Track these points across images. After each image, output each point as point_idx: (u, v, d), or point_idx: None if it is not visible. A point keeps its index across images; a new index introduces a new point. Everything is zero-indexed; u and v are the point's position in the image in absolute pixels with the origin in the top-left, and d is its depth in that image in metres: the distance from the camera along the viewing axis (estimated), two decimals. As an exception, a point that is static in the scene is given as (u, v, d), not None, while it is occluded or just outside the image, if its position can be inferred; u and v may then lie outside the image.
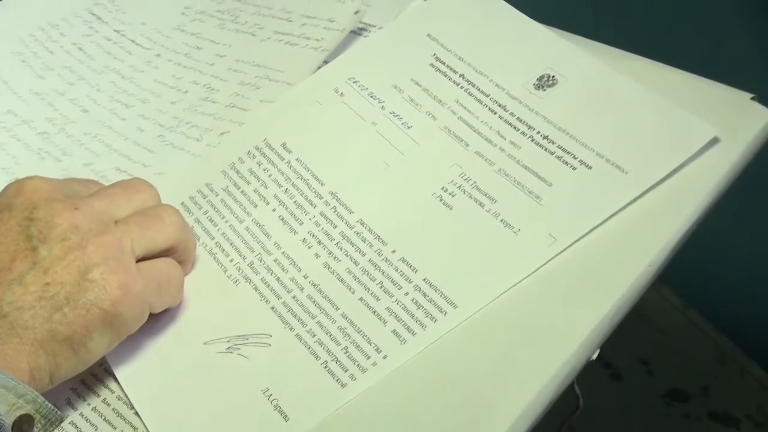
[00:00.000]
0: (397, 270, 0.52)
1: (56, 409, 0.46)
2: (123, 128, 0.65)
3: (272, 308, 0.53)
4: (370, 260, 0.53)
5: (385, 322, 0.50)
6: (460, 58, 0.61)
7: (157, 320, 0.53)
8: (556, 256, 0.50)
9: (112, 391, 0.51)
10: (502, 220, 0.53)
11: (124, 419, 0.50)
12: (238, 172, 0.60)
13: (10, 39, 0.73)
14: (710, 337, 1.49)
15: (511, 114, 0.57)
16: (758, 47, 1.37)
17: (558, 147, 0.55)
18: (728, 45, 1.44)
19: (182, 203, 0.59)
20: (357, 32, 0.66)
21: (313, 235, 0.55)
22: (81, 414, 0.51)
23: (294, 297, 0.53)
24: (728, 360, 1.44)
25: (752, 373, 1.42)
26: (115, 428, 0.50)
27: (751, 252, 1.38)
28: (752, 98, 0.54)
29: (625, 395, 1.36)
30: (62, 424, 0.47)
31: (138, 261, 0.51)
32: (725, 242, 1.34)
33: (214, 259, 0.56)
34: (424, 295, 0.51)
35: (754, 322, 1.42)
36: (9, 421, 0.43)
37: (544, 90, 0.58)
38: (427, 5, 0.65)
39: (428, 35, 0.63)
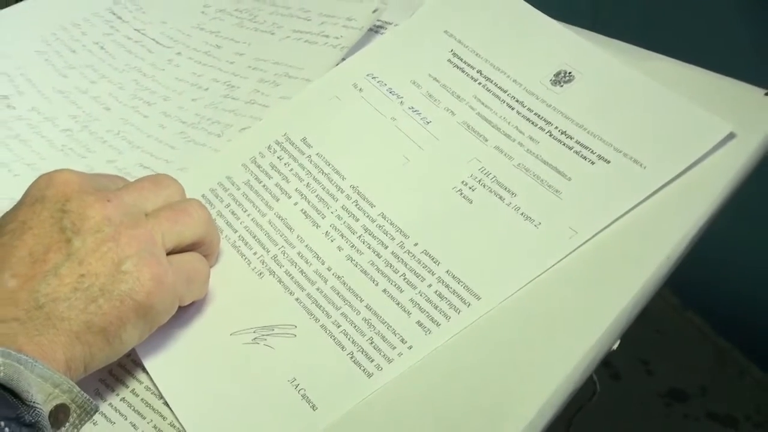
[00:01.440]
0: (419, 262, 0.52)
1: (91, 400, 0.45)
2: (145, 125, 0.65)
3: (297, 300, 0.52)
4: (392, 253, 0.53)
5: (409, 314, 0.50)
6: (477, 54, 0.61)
7: (184, 312, 0.53)
8: (577, 248, 0.50)
9: (141, 382, 0.51)
10: (522, 214, 0.53)
11: (153, 409, 0.50)
12: (259, 166, 0.60)
13: (33, 38, 0.72)
14: (709, 338, 1.50)
15: (529, 109, 0.57)
16: (765, 43, 1.38)
17: (576, 142, 0.55)
18: (737, 42, 1.45)
19: (203, 195, 0.59)
20: (375, 30, 0.66)
21: (336, 229, 0.55)
22: (110, 404, 0.51)
23: (318, 289, 0.53)
24: (727, 361, 1.45)
25: (751, 374, 1.42)
26: (144, 418, 0.50)
27: (750, 253, 1.40)
28: (766, 94, 0.55)
29: (624, 395, 1.37)
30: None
31: (169, 254, 0.51)
32: (724, 243, 1.33)
33: (238, 252, 0.56)
34: (447, 286, 0.50)
35: (753, 324, 1.44)
36: (46, 410, 0.43)
37: (561, 86, 0.58)
38: (443, 2, 0.65)
39: (445, 31, 0.63)
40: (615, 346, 0.48)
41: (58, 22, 0.73)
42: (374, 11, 0.65)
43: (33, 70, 0.71)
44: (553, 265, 0.50)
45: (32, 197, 0.51)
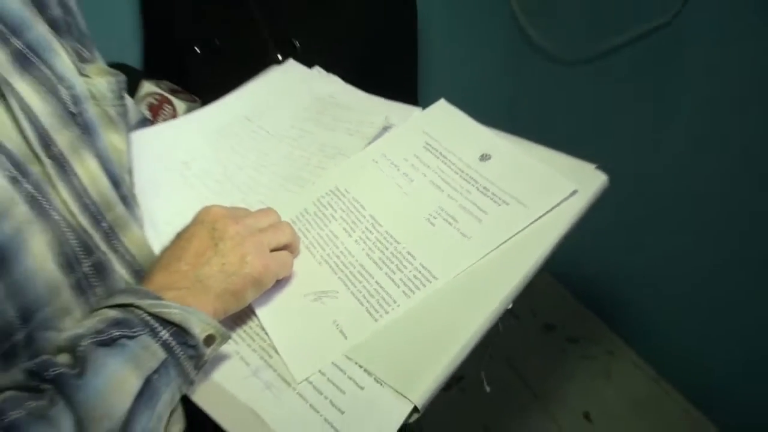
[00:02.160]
0: (404, 258, 0.52)
1: (227, 330, 0.46)
2: (261, 180, 0.65)
3: (339, 278, 0.53)
4: (391, 252, 0.53)
5: (398, 286, 0.50)
6: (439, 144, 0.61)
7: (279, 283, 0.53)
8: (490, 252, 0.51)
9: (253, 321, 0.52)
10: (461, 232, 0.53)
11: (260, 336, 0.51)
12: (321, 203, 0.60)
13: (200, 132, 0.71)
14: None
15: (467, 175, 0.57)
16: (599, 136, 1.36)
17: (491, 193, 0.55)
18: (584, 134, 1.43)
19: (291, 219, 0.59)
20: (386, 129, 0.65)
21: (360, 238, 0.55)
22: (236, 333, 0.51)
23: (350, 271, 0.53)
24: None
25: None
26: (254, 341, 0.50)
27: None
28: (596, 167, 0.54)
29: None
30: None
31: (271, 251, 0.51)
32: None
33: (308, 250, 0.56)
34: (419, 272, 0.51)
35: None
36: (201, 337, 0.44)
37: (484, 162, 0.58)
38: (422, 115, 0.65)
39: (423, 131, 0.62)
40: (509, 306, 0.48)
41: (216, 125, 0.71)
42: (386, 123, 0.65)
43: (199, 150, 0.69)
44: (478, 261, 0.50)
45: (197, 220, 0.52)
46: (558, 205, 0.52)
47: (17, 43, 0.46)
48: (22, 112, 0.43)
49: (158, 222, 0.59)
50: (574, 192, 0.52)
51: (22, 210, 0.41)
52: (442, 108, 0.64)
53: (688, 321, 1.33)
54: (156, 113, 0.79)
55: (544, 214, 0.51)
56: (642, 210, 1.37)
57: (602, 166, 0.54)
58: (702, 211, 1.24)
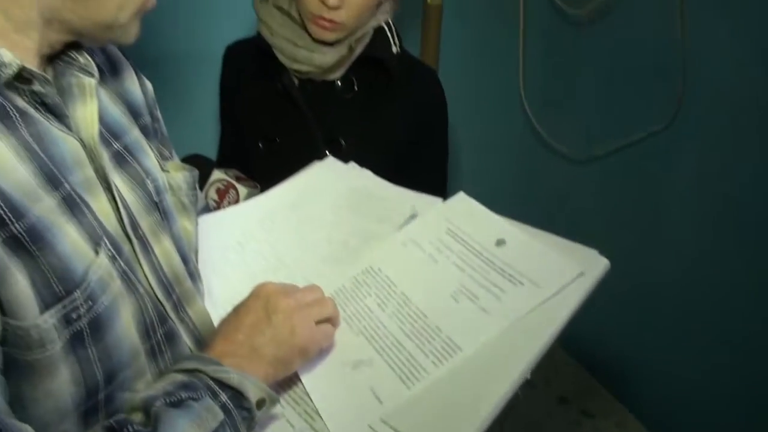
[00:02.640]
0: (432, 331, 0.56)
1: (276, 395, 0.49)
2: (305, 259, 0.68)
3: (374, 348, 0.57)
4: (420, 325, 0.57)
5: (427, 356, 0.54)
6: (460, 230, 0.65)
7: (321, 352, 0.56)
8: (509, 326, 0.54)
9: (297, 386, 0.55)
10: (482, 308, 0.57)
11: (305, 402, 0.54)
12: (357, 281, 0.64)
13: (255, 218, 0.75)
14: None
15: (486, 258, 0.61)
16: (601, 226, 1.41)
17: (508, 274, 0.59)
18: (593, 223, 1.49)
19: (331, 294, 0.62)
20: (413, 216, 0.70)
21: (393, 312, 0.59)
22: (283, 398, 0.54)
23: (384, 342, 0.57)
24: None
25: None
26: (298, 405, 0.53)
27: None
28: (599, 253, 0.58)
29: None
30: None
31: (316, 324, 0.55)
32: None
33: (347, 323, 0.60)
34: (446, 344, 0.54)
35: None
36: (254, 400, 0.47)
37: (500, 246, 0.62)
38: (444, 205, 0.69)
39: (445, 219, 0.67)
40: (528, 377, 0.50)
41: (268, 211, 0.75)
42: (412, 213, 0.70)
43: (252, 233, 0.73)
44: (495, 336, 0.54)
45: (253, 294, 0.56)
46: (567, 285, 0.56)
47: (117, 145, 0.54)
48: (119, 202, 0.50)
49: (215, 295, 0.64)
50: (581, 274, 0.56)
51: (117, 284, 0.47)
52: (461, 200, 0.70)
53: (696, 397, 1.33)
54: (222, 196, 0.87)
55: (554, 294, 0.56)
56: (648, 292, 1.41)
57: (604, 252, 0.58)
58: (704, 293, 1.28)
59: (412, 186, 0.75)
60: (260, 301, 0.55)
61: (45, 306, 0.41)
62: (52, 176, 0.43)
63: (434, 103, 1.01)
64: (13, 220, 0.39)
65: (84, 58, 0.49)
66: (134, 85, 0.60)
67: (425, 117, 0.99)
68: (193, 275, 0.59)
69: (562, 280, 0.56)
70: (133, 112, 0.58)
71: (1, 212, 0.39)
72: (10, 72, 0.41)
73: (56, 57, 0.49)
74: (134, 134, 0.56)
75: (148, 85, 0.63)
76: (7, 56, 0.41)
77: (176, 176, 0.60)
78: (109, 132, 0.53)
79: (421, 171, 0.98)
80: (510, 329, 0.54)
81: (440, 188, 1.01)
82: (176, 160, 0.65)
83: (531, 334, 0.53)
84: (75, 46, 0.49)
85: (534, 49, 1.53)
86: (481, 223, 0.65)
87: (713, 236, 1.24)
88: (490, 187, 1.56)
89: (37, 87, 0.44)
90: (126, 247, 0.50)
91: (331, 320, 0.58)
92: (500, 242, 0.62)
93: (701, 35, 1.18)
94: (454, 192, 0.71)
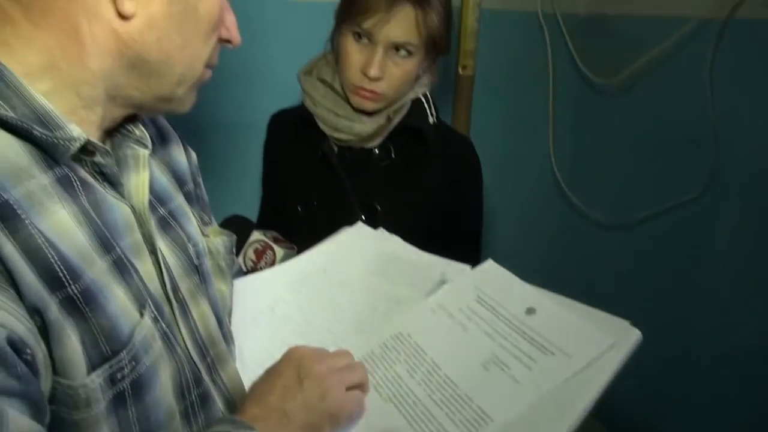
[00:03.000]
0: (463, 400, 0.55)
1: None
2: (335, 324, 0.70)
3: (404, 416, 0.56)
4: (450, 394, 0.56)
5: (458, 426, 0.53)
6: (490, 297, 0.65)
7: (351, 419, 0.56)
8: (540, 396, 0.54)
9: None
10: (513, 378, 0.56)
11: None
12: (386, 347, 0.64)
13: (284, 283, 0.76)
14: None
15: (516, 326, 0.61)
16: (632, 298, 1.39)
17: (539, 343, 0.58)
18: (617, 293, 1.46)
19: (361, 358, 0.63)
20: (442, 283, 0.70)
21: (422, 380, 0.59)
22: None
23: (414, 411, 0.56)
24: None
25: None
26: None
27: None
28: (631, 323, 0.57)
29: None
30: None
31: (346, 390, 0.55)
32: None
33: (376, 390, 0.60)
34: (477, 414, 0.54)
35: None
36: None
37: (530, 315, 0.62)
38: (474, 272, 0.70)
39: (475, 286, 0.67)
40: None
41: (299, 275, 0.77)
42: (441, 277, 0.71)
43: (283, 296, 0.75)
44: (526, 407, 0.53)
45: (285, 358, 0.57)
46: (599, 357, 0.55)
47: (162, 211, 0.57)
48: (163, 265, 0.52)
49: (246, 358, 0.64)
50: (612, 346, 0.56)
51: (158, 345, 0.48)
52: (490, 267, 0.70)
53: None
54: (260, 257, 0.90)
55: (586, 365, 0.55)
56: (681, 363, 1.36)
57: (637, 323, 0.57)
58: (739, 366, 1.23)
59: (445, 253, 0.76)
60: (292, 365, 0.55)
61: (92, 366, 0.42)
62: (106, 240, 0.46)
63: (469, 172, 1.03)
64: (71, 282, 0.42)
65: (140, 131, 0.54)
66: (180, 154, 0.64)
67: (460, 185, 1.01)
68: (227, 337, 0.60)
69: (593, 352, 0.55)
70: (179, 180, 0.62)
71: (61, 274, 0.41)
72: (77, 145, 0.45)
73: (115, 129, 0.53)
74: (179, 200, 0.60)
75: (193, 154, 0.68)
76: (76, 131, 0.44)
77: (215, 241, 0.63)
78: (157, 198, 0.56)
79: (455, 238, 1.00)
80: (541, 400, 0.53)
81: (473, 256, 1.02)
82: (215, 225, 0.68)
83: (563, 406, 0.52)
84: (131, 118, 0.53)
85: (563, 116, 1.56)
86: (510, 291, 0.66)
87: (749, 307, 1.20)
88: (521, 254, 1.56)
89: (98, 158, 0.47)
90: (166, 309, 0.52)
91: (361, 386, 0.58)
92: (530, 311, 0.62)
93: (731, 103, 1.19)
94: (485, 259, 0.72)
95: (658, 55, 1.31)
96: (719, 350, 1.27)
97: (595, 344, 0.56)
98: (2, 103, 0.41)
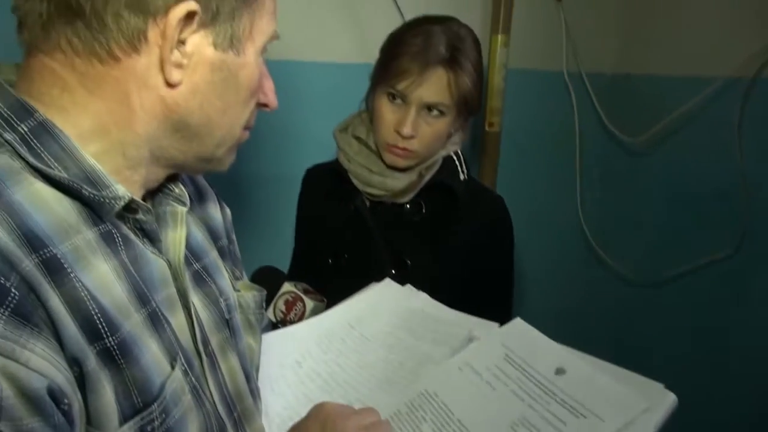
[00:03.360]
0: None
1: None
2: (361, 381, 0.69)
3: None
4: None
5: None
6: (518, 357, 0.64)
7: None
8: None
9: None
10: None
11: None
12: (413, 405, 0.63)
13: (312, 339, 0.77)
14: None
15: (545, 387, 0.60)
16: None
17: (569, 405, 0.57)
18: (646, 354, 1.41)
19: (387, 416, 0.62)
20: (470, 340, 0.70)
21: None
22: None
23: None
24: None
25: None
26: None
27: None
28: (665, 386, 0.56)
29: None
30: None
31: None
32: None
33: None
34: None
35: None
36: None
37: (560, 375, 0.61)
38: (502, 331, 0.70)
39: (503, 344, 0.67)
40: None
41: (326, 330, 0.78)
42: (469, 334, 0.71)
43: (310, 351, 0.75)
44: None
45: (311, 415, 0.57)
46: (632, 421, 0.54)
47: (197, 265, 0.59)
48: (195, 319, 0.54)
49: (272, 413, 0.65)
50: (646, 410, 0.54)
51: (188, 398, 0.49)
52: (518, 326, 0.70)
53: None
54: (290, 308, 0.91)
55: (619, 430, 0.54)
56: (717, 428, 1.29)
57: (671, 386, 0.57)
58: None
59: (474, 310, 0.76)
60: (318, 422, 0.55)
61: (124, 417, 0.43)
62: (142, 294, 0.48)
63: (500, 230, 1.04)
64: (109, 334, 0.43)
65: (179, 189, 0.56)
66: (216, 211, 0.66)
67: (491, 243, 1.02)
68: (254, 393, 0.60)
69: (626, 415, 0.54)
70: (213, 235, 0.64)
71: (100, 326, 0.43)
72: (122, 203, 0.47)
73: (156, 187, 0.55)
74: (212, 255, 0.62)
75: (228, 210, 0.70)
76: (121, 190, 0.47)
77: (246, 295, 0.64)
78: (192, 253, 0.58)
79: (485, 295, 0.99)
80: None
81: (503, 313, 1.01)
82: (246, 280, 0.69)
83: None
84: (172, 177, 0.56)
85: (590, 173, 1.57)
86: (539, 350, 0.65)
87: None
88: (550, 310, 1.54)
89: (140, 216, 0.50)
90: (196, 363, 0.53)
91: (388, 442, 0.58)
92: (560, 371, 0.61)
93: (761, 160, 1.18)
94: (514, 316, 0.72)
95: (685, 113, 1.32)
96: (756, 415, 1.21)
97: (628, 407, 0.55)
98: (57, 165, 0.44)
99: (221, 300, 0.59)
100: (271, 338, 0.74)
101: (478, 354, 0.67)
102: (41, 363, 0.38)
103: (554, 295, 1.63)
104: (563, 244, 1.61)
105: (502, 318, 0.73)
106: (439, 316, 0.78)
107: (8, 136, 0.44)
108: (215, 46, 0.48)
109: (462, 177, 1.02)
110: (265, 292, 0.66)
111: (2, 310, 0.37)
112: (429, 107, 0.94)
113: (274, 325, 0.91)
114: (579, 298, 1.65)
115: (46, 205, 0.43)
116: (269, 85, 0.56)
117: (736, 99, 1.22)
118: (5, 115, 0.44)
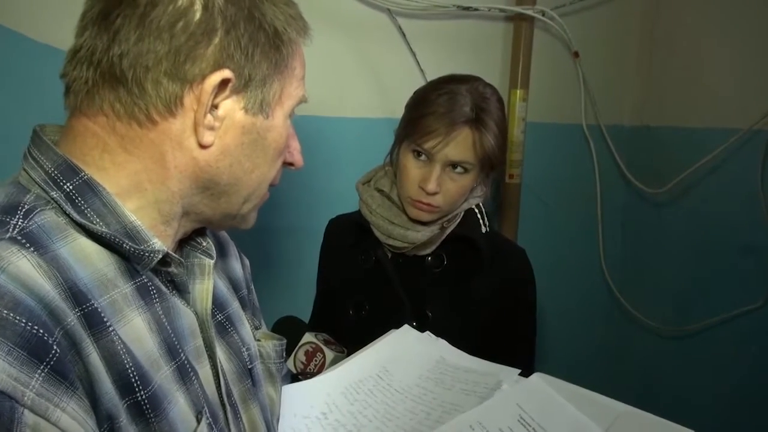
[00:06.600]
0: None
1: None
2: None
3: None
4: None
5: None
6: (532, 420, 0.64)
7: None
8: None
9: None
10: None
11: None
12: None
13: (338, 388, 0.77)
14: None
15: None
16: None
17: None
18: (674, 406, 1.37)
19: None
20: (495, 388, 0.69)
21: None
22: None
23: None
24: None
25: None
26: None
27: None
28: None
29: None
30: None
31: None
32: None
33: None
34: None
35: None
36: None
37: None
38: (517, 390, 0.69)
39: (517, 404, 0.66)
40: None
41: (353, 381, 0.78)
42: (496, 383, 0.70)
43: (336, 402, 0.75)
44: None
45: None
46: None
47: (220, 316, 0.61)
48: (220, 370, 0.55)
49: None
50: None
51: None
52: (536, 384, 0.69)
53: None
54: (310, 359, 0.92)
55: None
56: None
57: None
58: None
59: (497, 361, 0.76)
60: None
61: None
62: (173, 346, 0.49)
63: (522, 282, 1.04)
64: (141, 387, 0.44)
65: (206, 242, 0.59)
66: (237, 262, 0.69)
67: (512, 294, 1.02)
68: (275, 444, 0.61)
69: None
70: (235, 286, 0.66)
71: (133, 381, 0.44)
72: (159, 257, 0.49)
73: (184, 240, 0.58)
74: (235, 306, 0.63)
75: (247, 261, 0.72)
76: (158, 244, 0.49)
77: (266, 345, 0.65)
78: (216, 304, 0.60)
79: (507, 348, 0.97)
80: None
81: (526, 365, 1.00)
82: (265, 329, 0.71)
83: None
84: (199, 230, 0.59)
85: (612, 224, 1.56)
86: (554, 412, 0.64)
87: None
88: (575, 361, 1.52)
89: (172, 269, 0.52)
90: (221, 414, 0.54)
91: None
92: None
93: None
94: (538, 368, 0.72)
95: (707, 164, 1.33)
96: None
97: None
98: (99, 220, 0.47)
99: (243, 350, 0.61)
100: (293, 390, 0.74)
101: (492, 414, 0.67)
102: (70, 423, 0.39)
103: (577, 347, 1.60)
104: (586, 295, 1.60)
105: (525, 369, 0.73)
106: (466, 365, 0.77)
107: (54, 194, 0.46)
108: (246, 110, 0.51)
109: (483, 229, 1.03)
110: (285, 341, 0.68)
111: (42, 367, 0.38)
112: (453, 165, 0.96)
113: (293, 376, 0.91)
114: (603, 350, 1.62)
115: (88, 259, 0.46)
116: (295, 146, 0.59)
117: (757, 150, 1.23)
118: (53, 175, 0.47)
